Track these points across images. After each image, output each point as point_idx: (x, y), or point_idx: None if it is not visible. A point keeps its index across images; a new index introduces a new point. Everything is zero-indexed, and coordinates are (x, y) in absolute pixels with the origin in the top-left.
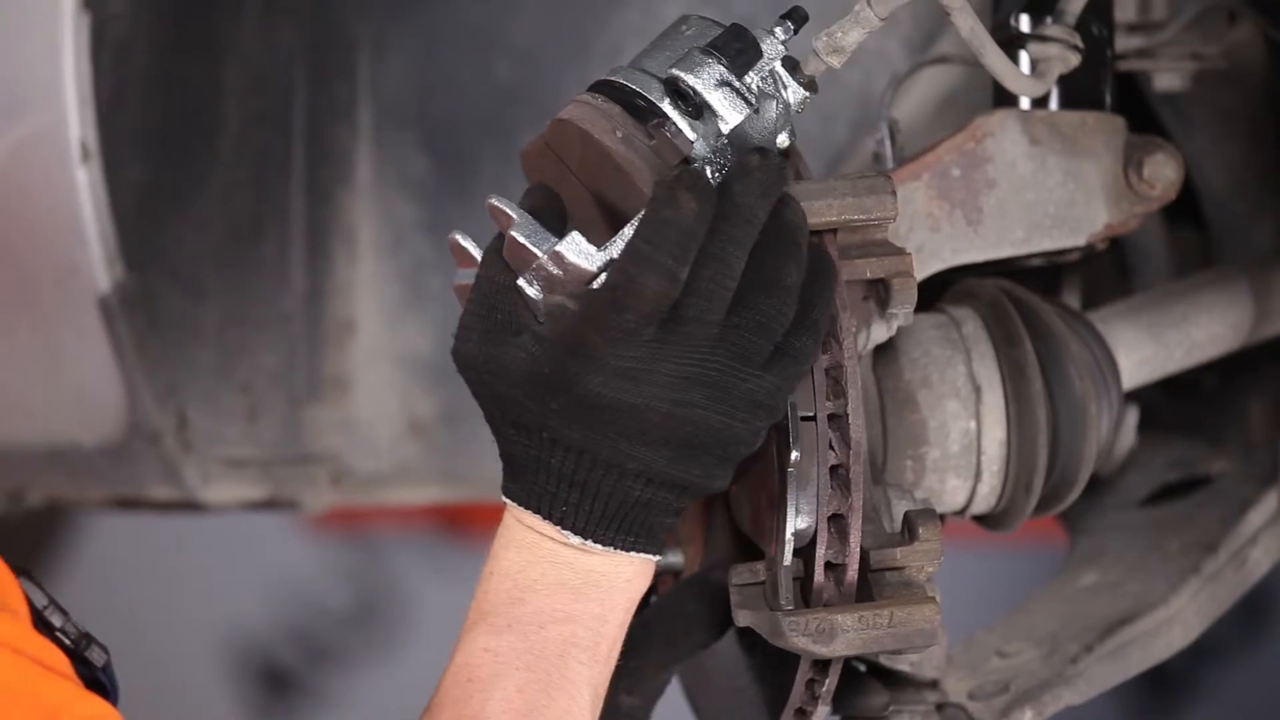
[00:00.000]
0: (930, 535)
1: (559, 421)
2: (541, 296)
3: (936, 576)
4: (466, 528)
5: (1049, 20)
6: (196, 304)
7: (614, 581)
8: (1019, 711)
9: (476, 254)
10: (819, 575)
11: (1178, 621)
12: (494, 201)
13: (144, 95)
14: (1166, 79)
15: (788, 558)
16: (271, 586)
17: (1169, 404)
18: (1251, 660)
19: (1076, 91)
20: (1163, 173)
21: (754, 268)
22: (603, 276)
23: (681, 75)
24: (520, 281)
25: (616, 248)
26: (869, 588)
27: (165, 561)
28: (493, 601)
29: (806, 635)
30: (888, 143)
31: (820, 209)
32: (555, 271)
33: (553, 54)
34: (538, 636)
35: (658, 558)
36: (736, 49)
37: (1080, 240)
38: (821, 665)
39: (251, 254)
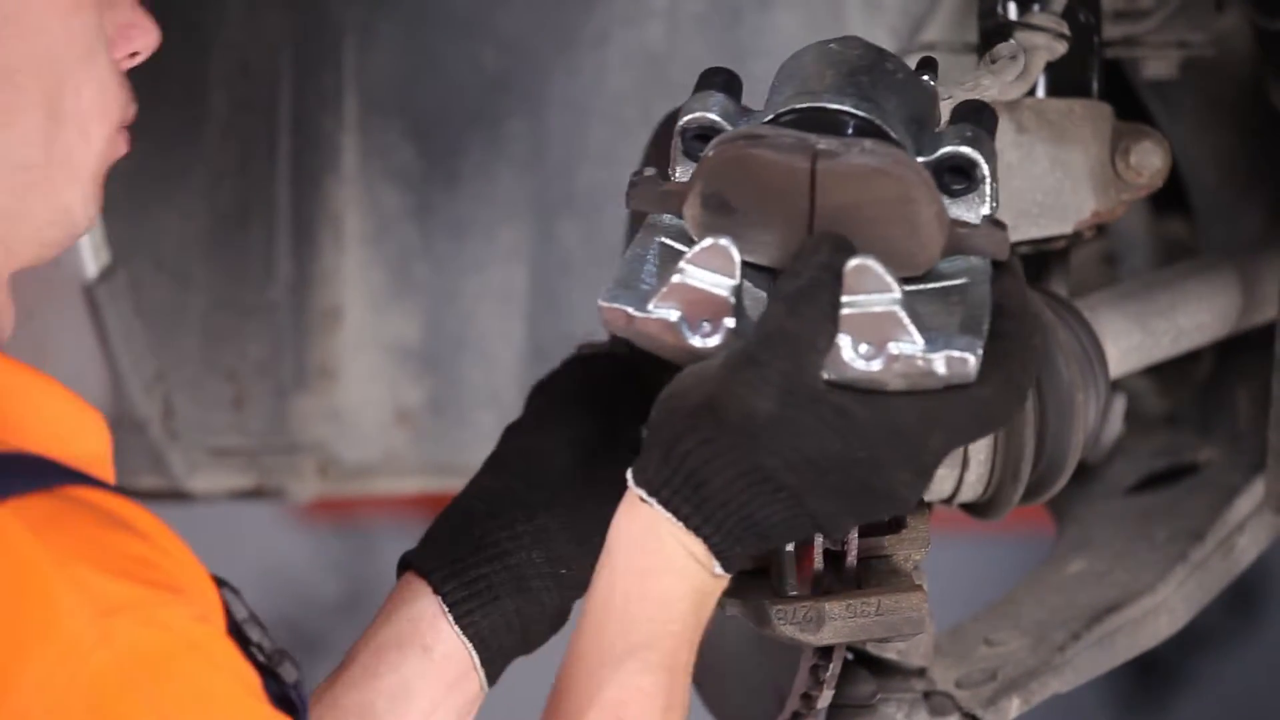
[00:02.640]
0: (918, 524)
1: (812, 494)
2: (874, 370)
3: (924, 564)
4: None
5: (1036, 8)
6: (182, 292)
7: (713, 604)
8: (1006, 700)
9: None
10: (818, 562)
11: (1165, 609)
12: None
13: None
14: (1154, 67)
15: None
16: (259, 576)
17: (1156, 392)
18: (1239, 648)
19: (1064, 79)
20: (1150, 161)
21: None
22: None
23: (975, 158)
24: (844, 340)
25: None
26: (857, 576)
27: None
28: (646, 634)
29: (794, 624)
30: None
31: None
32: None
33: (540, 43)
34: (680, 672)
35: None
36: (990, 122)
37: (1067, 228)
38: (825, 651)
39: (237, 242)
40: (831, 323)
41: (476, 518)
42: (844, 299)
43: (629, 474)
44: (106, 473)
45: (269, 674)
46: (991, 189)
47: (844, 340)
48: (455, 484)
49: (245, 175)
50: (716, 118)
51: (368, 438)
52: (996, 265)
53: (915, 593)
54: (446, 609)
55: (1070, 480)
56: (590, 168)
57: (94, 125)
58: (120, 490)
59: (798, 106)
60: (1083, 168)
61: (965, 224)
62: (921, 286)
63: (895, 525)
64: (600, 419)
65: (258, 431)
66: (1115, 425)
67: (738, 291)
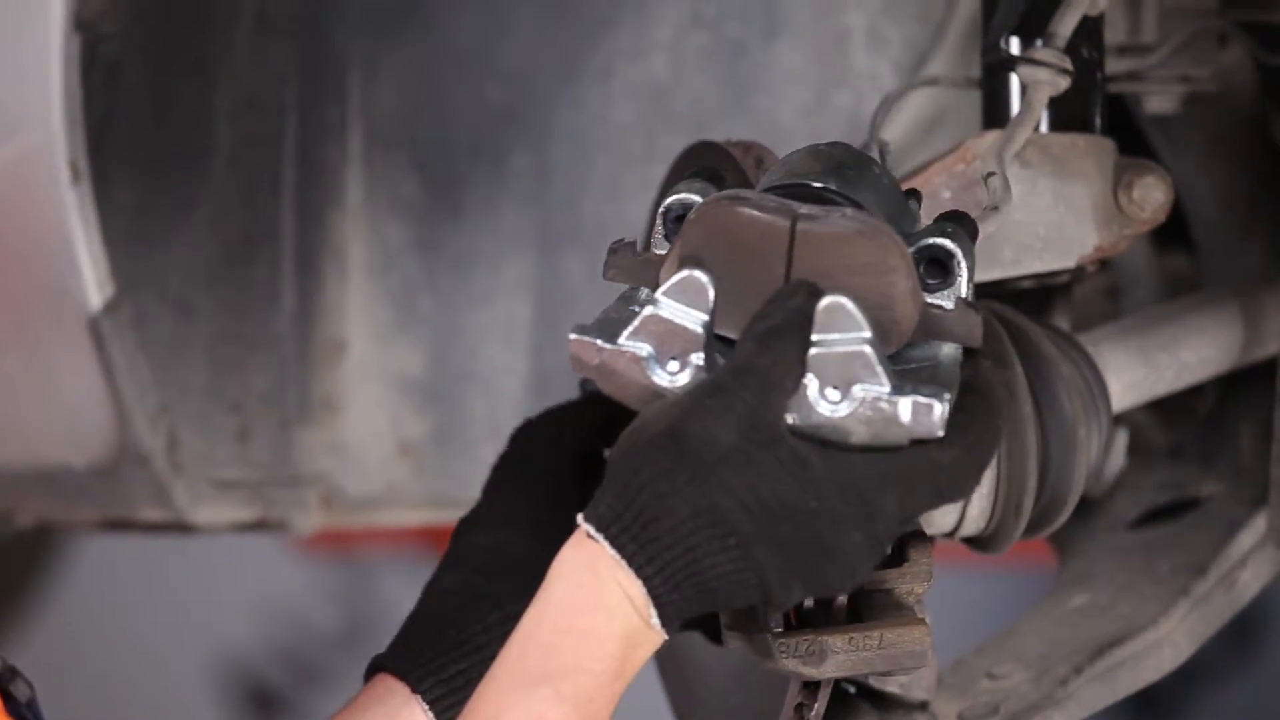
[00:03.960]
0: (920, 557)
1: (761, 543)
2: (839, 414)
3: (927, 598)
4: None
5: (1039, 43)
6: (187, 325)
7: (641, 654)
8: None
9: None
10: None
11: (1167, 643)
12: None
13: (135, 116)
14: (1156, 102)
15: None
16: (261, 608)
17: (1159, 426)
18: (1241, 682)
19: (1066, 114)
20: (1152, 195)
21: None
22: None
23: (953, 250)
24: (812, 381)
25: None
26: (859, 609)
27: (155, 583)
28: (566, 665)
29: (796, 657)
30: None
31: None
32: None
33: (544, 76)
34: (589, 710)
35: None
36: (971, 228)
37: (1070, 262)
38: (811, 688)
39: (242, 274)
40: (800, 363)
41: (446, 616)
42: (814, 338)
43: (581, 512)
44: None
45: (3, 693)
46: (968, 287)
47: (811, 381)
48: (458, 516)
49: (250, 208)
50: (699, 199)
51: (371, 470)
52: (968, 352)
53: (918, 626)
54: (426, 706)
55: (1072, 514)
56: (594, 200)
57: None
58: None
59: (783, 183)
60: (1085, 202)
61: (939, 307)
62: (892, 367)
63: (897, 558)
64: (550, 490)
65: (262, 464)
66: (1117, 459)
67: (709, 329)
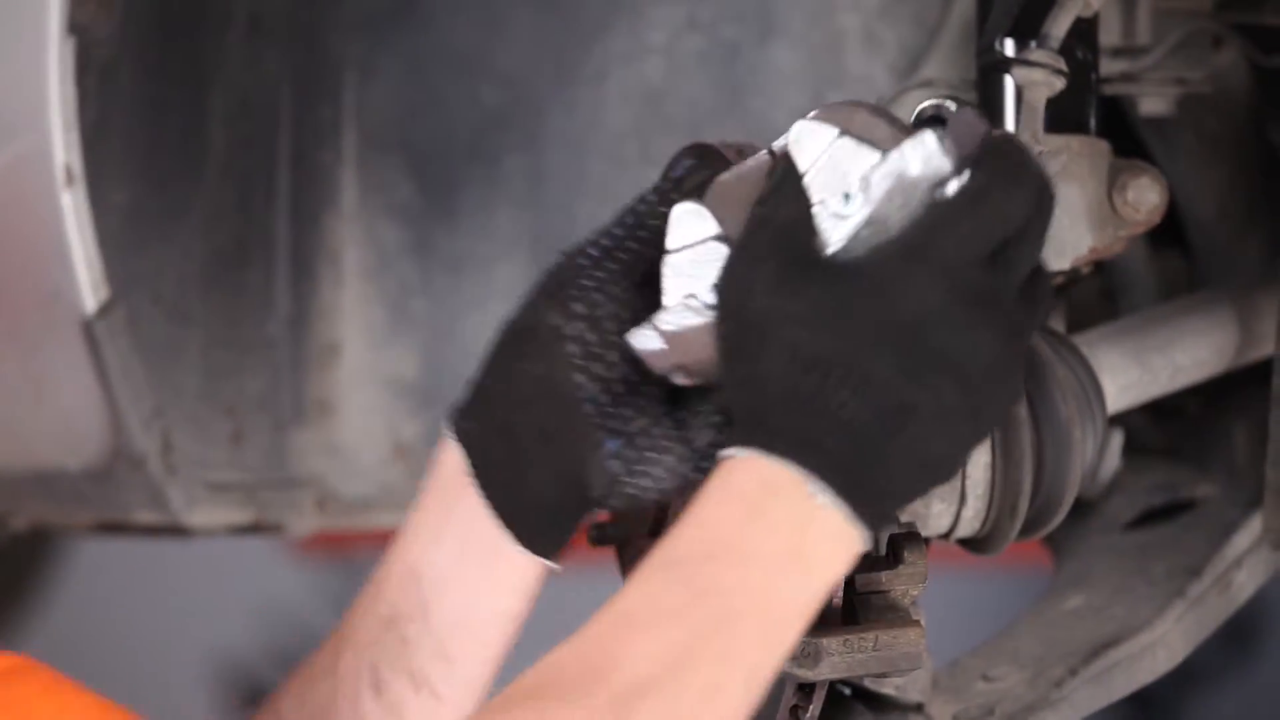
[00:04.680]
0: (915, 558)
1: (875, 362)
2: (864, 213)
3: (922, 600)
4: None
5: (1033, 45)
6: (181, 328)
7: (823, 560)
8: None
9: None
10: None
11: (1162, 645)
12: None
13: (129, 119)
14: (1151, 103)
15: None
16: (257, 611)
17: (1154, 428)
18: (1236, 684)
19: (1061, 115)
20: (1147, 197)
21: None
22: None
23: (940, 103)
24: (820, 206)
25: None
26: (854, 611)
27: (151, 586)
28: (680, 553)
29: (791, 659)
30: None
31: None
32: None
33: (538, 80)
34: (714, 600)
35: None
36: None
37: (1065, 264)
38: (806, 690)
39: (236, 278)
40: (798, 196)
41: None
42: (801, 170)
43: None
44: None
45: None
46: None
47: (821, 207)
48: None
49: (244, 211)
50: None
51: (366, 472)
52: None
53: (913, 628)
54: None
55: (1068, 515)
56: (589, 204)
57: None
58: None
59: None
60: (1080, 204)
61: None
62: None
63: (892, 560)
64: None
65: (256, 466)
66: (1113, 461)
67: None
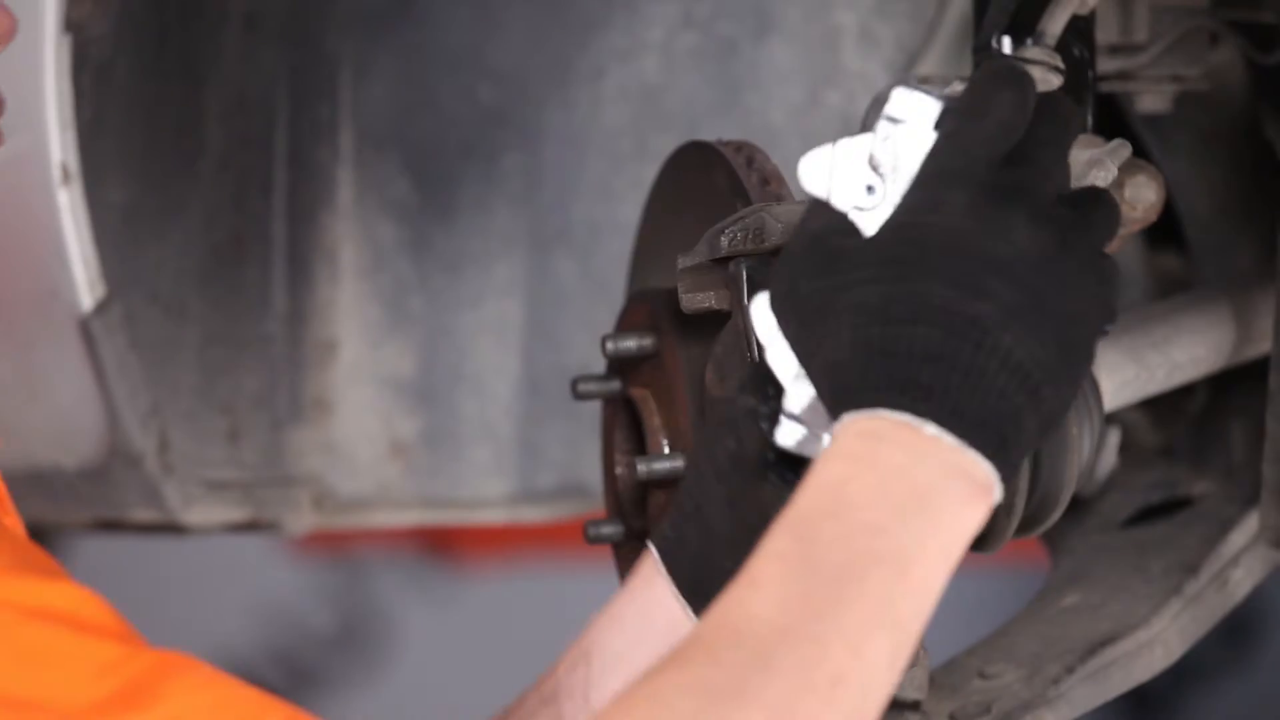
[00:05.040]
0: None
1: (929, 285)
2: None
3: None
4: (449, 550)
5: (1029, 42)
6: (178, 325)
7: (951, 499)
8: None
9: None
10: None
11: (1159, 643)
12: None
13: (125, 117)
14: (1148, 101)
15: None
16: (254, 609)
17: (1151, 425)
18: (1233, 681)
19: None
20: (1144, 194)
21: None
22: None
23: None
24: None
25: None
26: None
27: (147, 584)
28: (802, 512)
29: None
30: None
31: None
32: None
33: (535, 77)
34: (842, 552)
35: (996, 498)
36: None
37: None
38: None
39: (233, 275)
40: (825, 201)
41: None
42: (823, 196)
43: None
44: None
45: None
46: None
47: (855, 211)
48: (449, 518)
49: (241, 209)
50: None
51: (362, 471)
52: None
53: None
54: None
55: (1065, 513)
56: (586, 201)
57: None
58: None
59: None
60: None
61: None
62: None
63: None
64: None
65: (253, 464)
66: (1109, 458)
67: None
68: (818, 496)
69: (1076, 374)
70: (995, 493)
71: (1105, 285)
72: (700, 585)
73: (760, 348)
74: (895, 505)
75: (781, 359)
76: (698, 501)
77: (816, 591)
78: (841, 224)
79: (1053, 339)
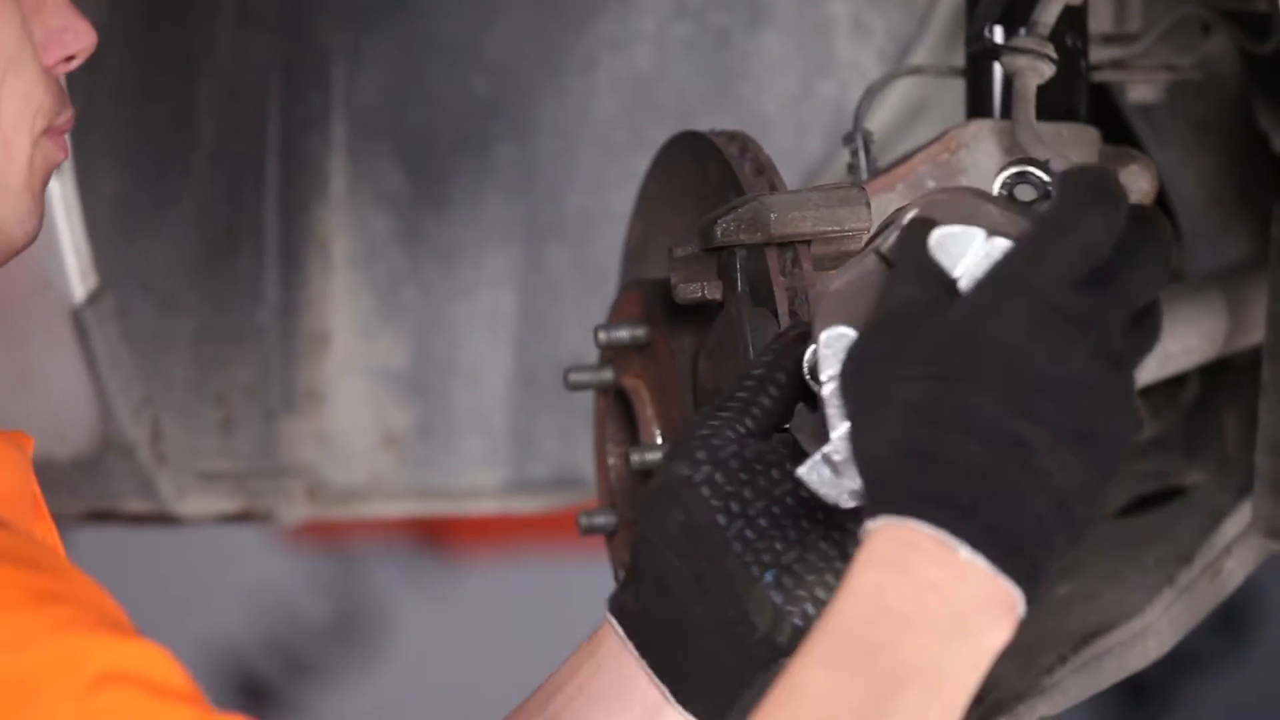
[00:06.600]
0: None
1: (979, 397)
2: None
3: None
4: (443, 541)
5: (1023, 32)
6: (170, 316)
7: (981, 623)
8: None
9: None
10: None
11: (1152, 632)
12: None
13: (117, 108)
14: (1141, 90)
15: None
16: (248, 599)
17: (1144, 415)
18: (1226, 671)
19: (1051, 103)
20: (1137, 184)
21: None
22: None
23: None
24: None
25: None
26: None
27: (141, 575)
28: (844, 620)
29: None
30: (862, 154)
31: (794, 220)
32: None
33: (528, 68)
34: (886, 660)
35: (1020, 615)
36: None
37: None
38: None
39: (226, 266)
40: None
41: None
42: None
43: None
44: (18, 509)
45: None
46: None
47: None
48: (442, 508)
49: (233, 199)
50: None
51: (355, 461)
52: None
53: None
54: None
55: None
56: (579, 192)
57: (16, 136)
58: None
59: None
60: None
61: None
62: None
63: None
64: None
65: (246, 455)
66: None
67: None
68: (857, 604)
69: (1107, 491)
70: (1020, 610)
71: (1137, 398)
72: (680, 669)
73: (819, 384)
74: (930, 620)
75: (836, 412)
76: (657, 574)
77: (864, 708)
78: (927, 297)
79: (1095, 465)
